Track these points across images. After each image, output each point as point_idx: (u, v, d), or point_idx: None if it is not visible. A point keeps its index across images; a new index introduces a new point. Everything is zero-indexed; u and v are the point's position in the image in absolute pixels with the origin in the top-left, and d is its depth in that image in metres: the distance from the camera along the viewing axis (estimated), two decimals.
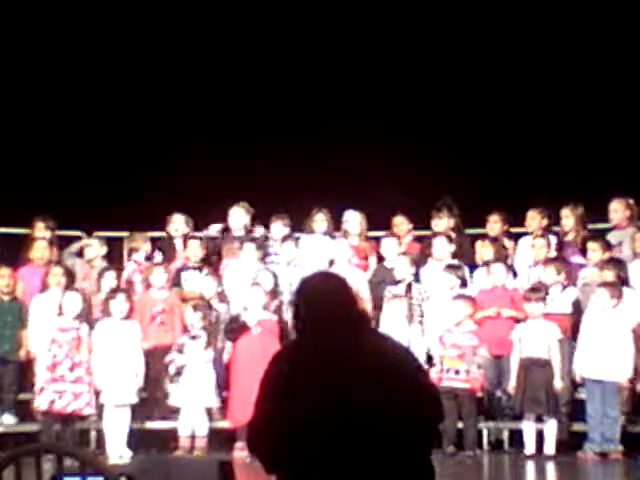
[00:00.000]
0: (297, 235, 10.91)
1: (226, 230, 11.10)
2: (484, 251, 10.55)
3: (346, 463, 3.91)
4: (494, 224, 10.77)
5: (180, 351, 9.72)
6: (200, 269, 10.53)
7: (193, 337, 9.78)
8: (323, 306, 4.19)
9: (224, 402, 9.84)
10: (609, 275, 9.65)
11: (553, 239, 10.46)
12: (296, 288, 4.38)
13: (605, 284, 9.51)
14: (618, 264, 9.81)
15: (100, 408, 9.63)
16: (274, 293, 10.12)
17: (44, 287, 9.99)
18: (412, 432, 4.01)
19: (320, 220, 10.94)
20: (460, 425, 9.51)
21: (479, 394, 9.69)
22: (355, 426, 3.92)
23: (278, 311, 10.02)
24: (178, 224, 11.02)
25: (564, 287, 9.91)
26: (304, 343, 4.20)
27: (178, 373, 9.69)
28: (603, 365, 9.29)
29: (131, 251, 10.85)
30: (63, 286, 9.87)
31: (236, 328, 9.85)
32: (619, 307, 9.44)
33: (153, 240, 11.00)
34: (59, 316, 9.57)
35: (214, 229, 11.14)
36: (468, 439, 9.47)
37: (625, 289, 9.63)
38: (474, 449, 9.49)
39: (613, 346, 9.32)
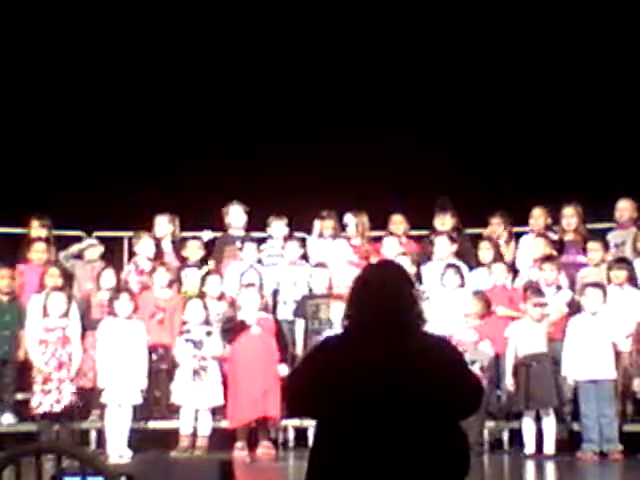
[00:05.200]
0: (301, 235, 10.92)
1: (223, 231, 11.10)
2: (482, 251, 10.54)
3: (378, 440, 3.91)
4: (497, 227, 10.75)
5: (200, 349, 9.66)
6: (199, 268, 10.53)
7: (208, 333, 9.76)
8: (377, 299, 4.07)
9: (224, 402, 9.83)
10: (621, 275, 9.65)
11: (554, 238, 10.46)
12: (357, 275, 4.24)
13: (597, 285, 9.48)
14: (629, 264, 9.81)
15: (102, 408, 9.62)
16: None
17: (41, 287, 9.99)
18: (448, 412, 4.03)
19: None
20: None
21: None
22: (391, 407, 3.91)
23: (265, 310, 9.99)
24: (162, 225, 10.96)
25: (558, 287, 9.90)
26: (348, 337, 4.12)
27: (203, 370, 9.68)
28: (596, 364, 9.25)
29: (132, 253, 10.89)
30: (59, 287, 9.87)
31: (235, 327, 9.81)
32: (606, 307, 9.42)
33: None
34: (44, 317, 9.59)
35: (206, 236, 11.13)
36: (471, 437, 9.42)
37: (631, 289, 9.66)
38: (476, 448, 9.46)
39: (604, 345, 9.29)
